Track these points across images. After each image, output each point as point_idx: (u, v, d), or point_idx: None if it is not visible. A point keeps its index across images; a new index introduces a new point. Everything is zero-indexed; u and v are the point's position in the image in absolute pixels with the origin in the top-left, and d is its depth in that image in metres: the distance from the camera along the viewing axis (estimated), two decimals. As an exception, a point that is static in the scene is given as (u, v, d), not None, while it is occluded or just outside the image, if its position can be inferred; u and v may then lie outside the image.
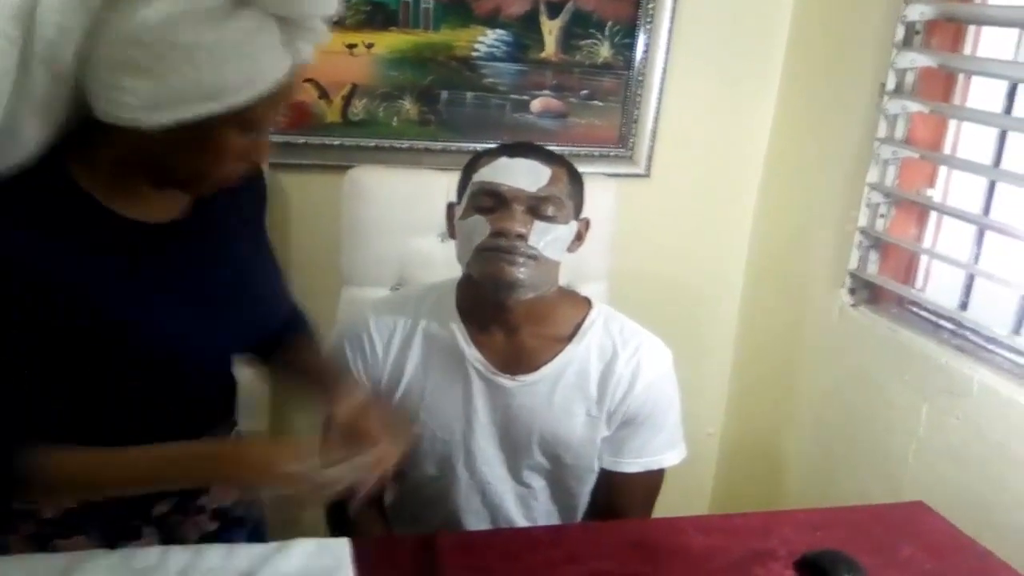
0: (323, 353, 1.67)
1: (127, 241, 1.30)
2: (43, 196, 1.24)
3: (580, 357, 1.73)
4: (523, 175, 1.64)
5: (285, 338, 1.58)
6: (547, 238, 1.63)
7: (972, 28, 2.11)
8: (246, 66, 1.15)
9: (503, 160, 1.67)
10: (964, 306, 2.10)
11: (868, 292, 2.30)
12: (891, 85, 2.16)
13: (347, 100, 2.34)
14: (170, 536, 1.49)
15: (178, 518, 1.51)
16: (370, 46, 2.31)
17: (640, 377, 1.72)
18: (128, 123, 1.16)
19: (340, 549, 1.43)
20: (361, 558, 1.41)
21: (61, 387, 1.30)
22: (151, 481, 1.34)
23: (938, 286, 2.22)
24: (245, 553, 1.40)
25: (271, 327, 1.52)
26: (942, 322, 2.11)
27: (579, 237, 1.73)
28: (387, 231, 2.11)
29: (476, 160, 1.72)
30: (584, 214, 1.75)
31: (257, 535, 1.60)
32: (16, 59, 1.12)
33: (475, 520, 1.77)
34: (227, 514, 1.56)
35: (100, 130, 1.21)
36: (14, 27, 1.12)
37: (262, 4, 1.14)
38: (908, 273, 2.27)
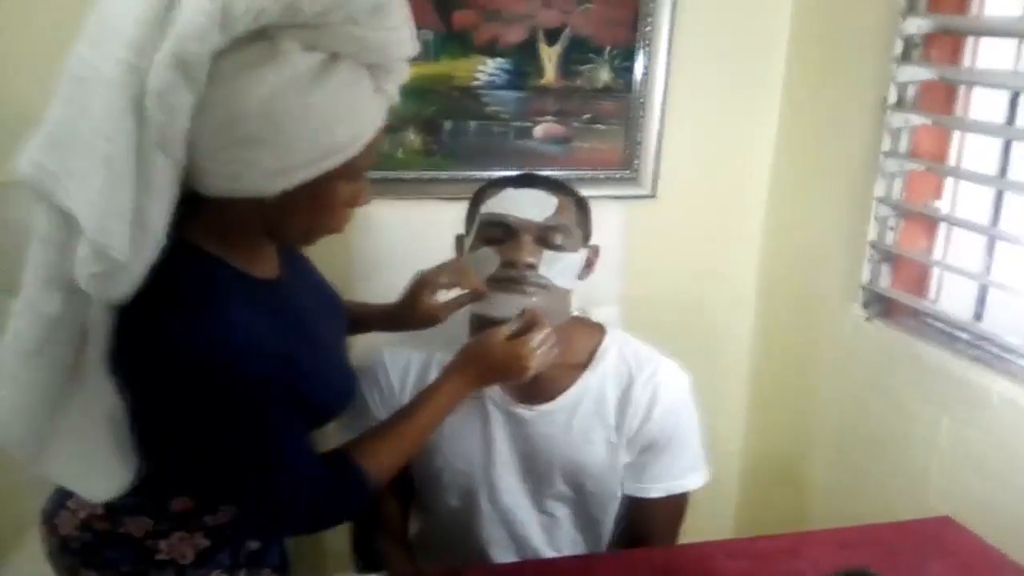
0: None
1: (273, 301, 1.36)
2: (208, 278, 1.28)
3: (597, 384, 1.73)
4: (530, 205, 1.66)
5: None
6: (557, 267, 1.64)
7: (971, 39, 2.11)
8: (353, 118, 1.21)
9: (509, 191, 1.68)
10: (979, 316, 2.09)
11: (882, 305, 2.30)
12: (893, 99, 2.15)
13: (352, 134, 2.34)
14: None
15: None
16: (372, 79, 2.31)
17: (658, 402, 1.72)
18: (245, 194, 1.20)
19: (371, 585, 1.43)
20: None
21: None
22: (438, 421, 1.52)
23: (952, 297, 2.20)
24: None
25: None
26: (958, 333, 2.10)
27: (589, 264, 1.74)
28: (397, 263, 2.09)
29: (483, 192, 1.73)
30: (592, 238, 1.76)
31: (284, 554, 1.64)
32: (134, 149, 1.14)
33: (500, 551, 1.77)
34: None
35: (201, 200, 1.24)
36: (127, 119, 1.13)
37: (354, 56, 1.19)
38: (921, 285, 2.27)
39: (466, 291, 1.68)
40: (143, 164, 1.15)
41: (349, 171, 1.25)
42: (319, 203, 1.27)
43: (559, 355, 1.70)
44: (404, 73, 1.30)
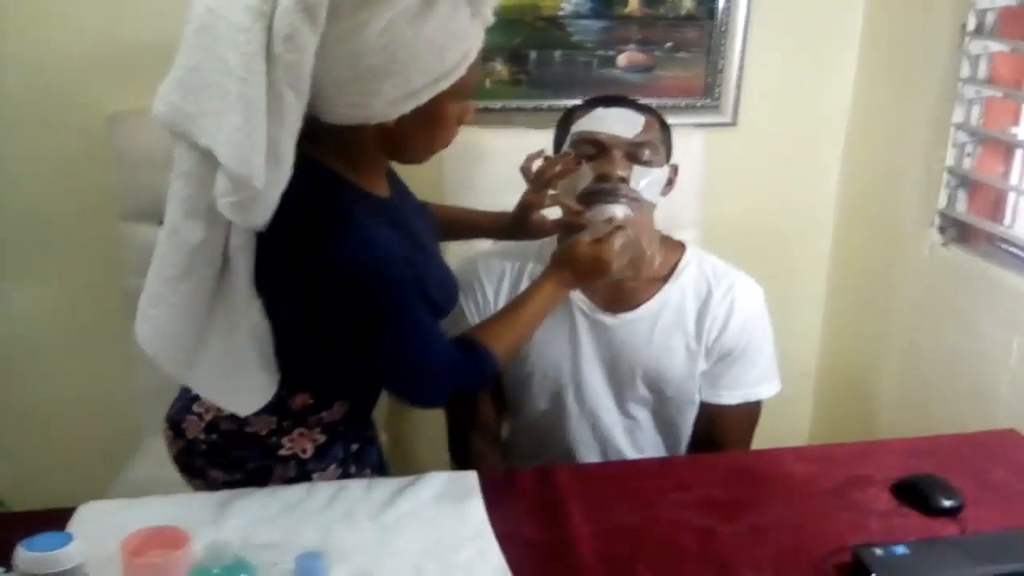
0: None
1: (395, 216, 1.50)
2: (349, 201, 1.43)
3: (677, 296, 1.83)
4: (619, 123, 1.76)
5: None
6: (645, 181, 1.75)
7: (1055, -35, 2.12)
8: (458, 43, 1.34)
9: (599, 111, 1.79)
10: (1053, 241, 2.13)
11: (957, 230, 2.34)
12: (972, 25, 2.18)
13: (442, 65, 2.43)
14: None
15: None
16: (461, 11, 2.40)
17: (735, 314, 1.82)
18: (367, 120, 1.35)
19: (469, 480, 1.57)
20: (488, 488, 1.54)
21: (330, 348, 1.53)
22: (541, 315, 1.67)
23: (1027, 222, 2.25)
24: (383, 486, 1.55)
25: None
26: (1031, 257, 2.15)
27: (670, 182, 1.84)
28: (488, 187, 2.22)
29: (571, 113, 1.83)
30: (677, 166, 1.85)
31: (380, 453, 1.78)
32: (266, 88, 1.26)
33: (586, 451, 1.89)
34: (363, 433, 1.72)
35: (329, 127, 1.39)
36: (258, 61, 1.25)
37: None
38: (996, 210, 2.30)
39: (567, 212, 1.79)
40: (275, 101, 1.27)
41: (458, 91, 1.38)
42: (434, 123, 1.41)
43: (642, 261, 1.81)
44: None
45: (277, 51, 1.25)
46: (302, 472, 1.59)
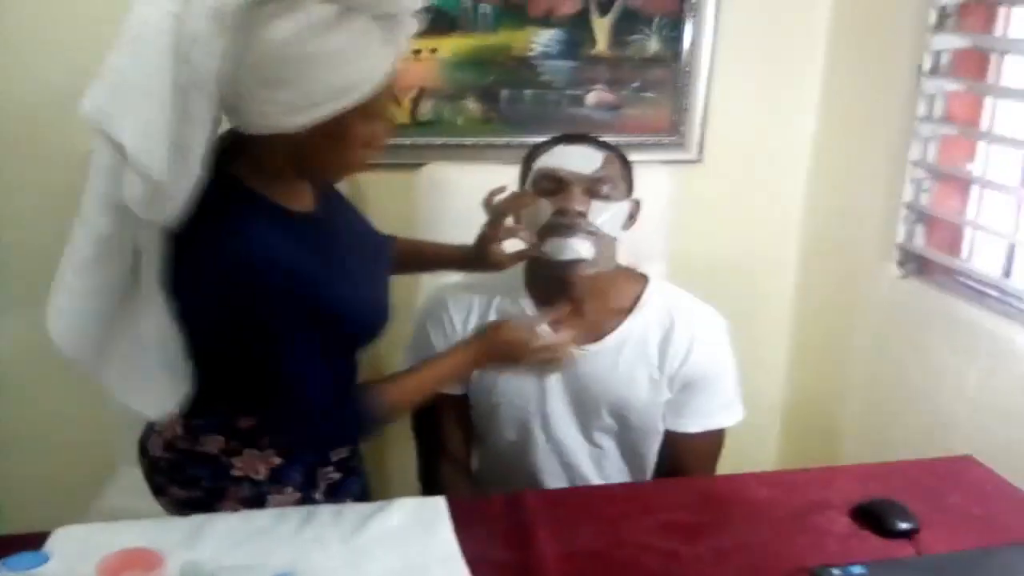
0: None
1: (306, 231, 1.52)
2: (244, 207, 1.46)
3: (640, 327, 1.88)
4: (579, 160, 1.81)
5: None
6: (605, 215, 1.80)
7: (1003, 9, 2.20)
8: (362, 63, 1.36)
9: (560, 148, 1.84)
10: (1008, 273, 2.19)
11: (916, 264, 2.41)
12: (928, 66, 2.26)
13: (415, 102, 2.51)
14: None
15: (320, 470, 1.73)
16: (434, 51, 2.47)
17: (696, 344, 1.87)
18: (273, 130, 1.37)
19: (438, 506, 1.60)
20: (456, 513, 1.57)
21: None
22: (445, 382, 1.73)
23: (983, 256, 2.30)
24: (351, 512, 1.58)
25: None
26: (987, 290, 2.21)
27: (632, 216, 1.88)
28: (460, 222, 2.24)
29: (535, 150, 1.89)
30: (641, 200, 1.90)
31: (364, 483, 1.81)
32: (171, 84, 1.31)
33: (553, 480, 1.92)
34: (346, 464, 1.75)
35: (245, 137, 1.43)
36: (167, 58, 1.31)
37: (365, 8, 1.34)
38: (953, 244, 2.37)
39: (526, 245, 1.83)
40: (182, 99, 1.32)
41: (364, 113, 1.40)
42: (339, 141, 1.43)
43: (604, 302, 1.87)
44: (413, 26, 1.45)
45: (184, 50, 1.30)
46: (257, 494, 1.61)
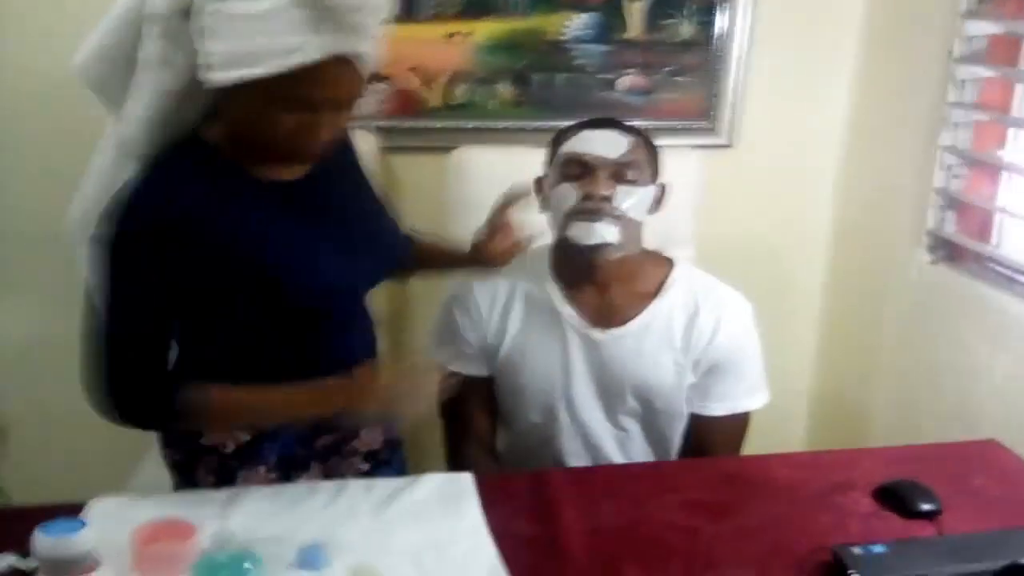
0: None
1: (266, 197, 1.53)
2: (199, 165, 1.49)
3: (665, 311, 1.89)
4: (605, 144, 1.83)
5: (407, 255, 1.81)
6: (630, 200, 1.81)
7: (1038, -6, 2.20)
8: (276, 39, 1.34)
9: (586, 132, 1.86)
10: (1038, 260, 2.20)
11: (946, 250, 2.41)
12: (960, 52, 2.26)
13: (448, 86, 2.53)
14: (331, 474, 1.73)
15: (337, 459, 1.75)
16: (468, 34, 2.49)
17: (722, 327, 1.88)
18: (208, 83, 1.39)
19: (465, 481, 1.63)
20: (483, 489, 1.60)
21: (230, 330, 1.56)
22: (283, 415, 1.60)
23: (1013, 242, 2.31)
24: (382, 486, 1.61)
25: (395, 259, 1.75)
26: (1017, 276, 2.21)
27: (658, 201, 1.90)
28: (490, 205, 2.28)
29: (561, 135, 1.91)
30: (670, 184, 1.91)
31: (400, 476, 1.79)
32: (137, 18, 1.43)
33: (578, 462, 1.95)
34: (376, 456, 1.79)
35: (219, 105, 1.47)
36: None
37: None
38: (984, 230, 2.37)
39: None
40: (138, 25, 1.44)
41: (284, 96, 1.38)
42: (267, 119, 1.42)
43: (629, 286, 1.89)
44: (366, 30, 1.40)
45: None
46: (225, 468, 1.64)
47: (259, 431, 1.64)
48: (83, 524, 1.24)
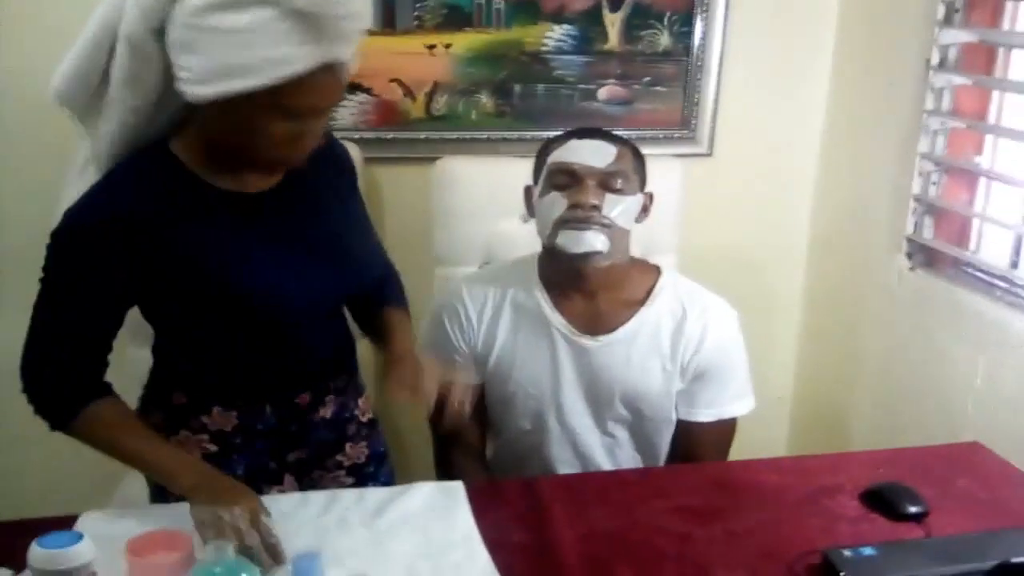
0: (401, 317, 1.78)
1: (226, 209, 1.53)
2: (154, 172, 1.50)
3: (653, 318, 1.91)
4: (592, 154, 1.84)
5: (377, 297, 1.77)
6: (618, 208, 1.82)
7: (1010, 4, 2.23)
8: (266, 52, 1.34)
9: (574, 142, 1.87)
10: (1015, 265, 2.21)
11: (925, 256, 2.43)
12: (935, 60, 2.29)
13: (430, 97, 2.54)
14: (313, 488, 1.72)
15: (320, 473, 1.75)
16: (448, 46, 2.50)
17: (708, 334, 1.90)
18: (189, 98, 1.39)
19: (456, 490, 1.63)
20: (474, 497, 1.61)
21: (195, 337, 1.58)
22: (139, 465, 1.59)
23: (991, 247, 2.33)
24: (373, 495, 1.61)
25: (366, 281, 1.72)
26: (995, 281, 2.23)
27: (645, 209, 1.91)
28: (474, 214, 2.30)
29: (549, 144, 1.91)
30: (652, 193, 1.93)
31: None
32: (100, 28, 1.43)
33: (567, 469, 1.96)
34: (361, 470, 1.79)
35: (191, 116, 1.48)
36: (108, 8, 1.42)
37: (273, 3, 1.32)
38: (962, 236, 2.39)
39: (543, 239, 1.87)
40: (113, 40, 1.43)
41: (277, 106, 1.38)
42: (253, 129, 1.42)
43: (617, 293, 1.90)
44: (347, 33, 1.39)
45: (125, 6, 1.40)
46: None
47: (226, 443, 1.65)
48: (80, 537, 1.24)
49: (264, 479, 1.68)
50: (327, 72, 1.39)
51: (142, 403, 1.67)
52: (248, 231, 1.54)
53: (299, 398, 1.67)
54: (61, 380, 1.51)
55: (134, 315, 1.58)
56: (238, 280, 1.51)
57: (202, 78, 1.36)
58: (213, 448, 1.64)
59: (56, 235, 1.45)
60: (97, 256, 1.45)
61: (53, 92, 1.48)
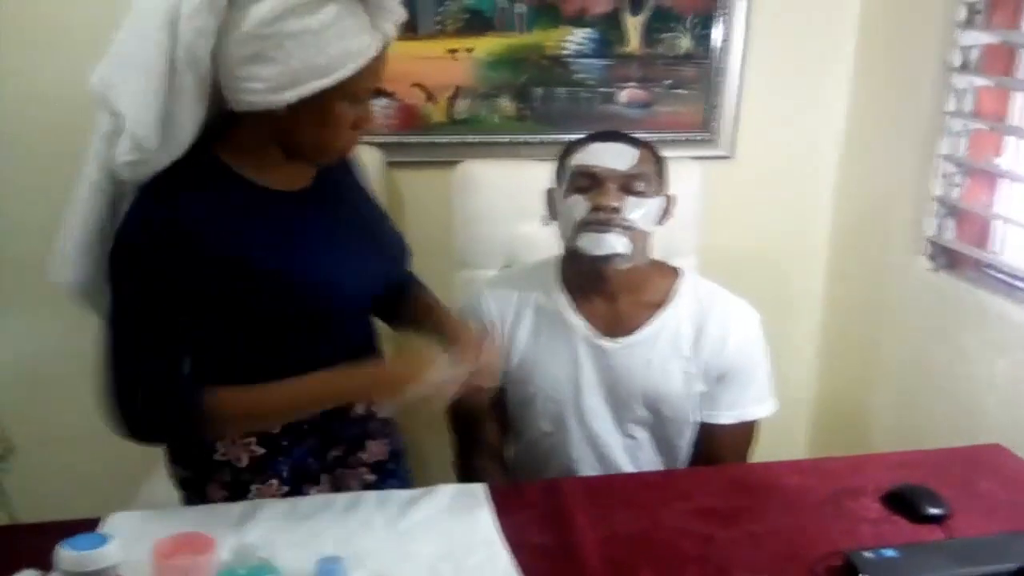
0: (437, 299, 1.84)
1: (273, 207, 1.56)
2: (203, 177, 1.51)
3: (673, 320, 1.92)
4: (614, 157, 1.85)
5: (409, 285, 1.82)
6: (639, 211, 1.83)
7: (1032, 5, 2.23)
8: (343, 44, 1.40)
9: (595, 145, 1.88)
10: (1038, 266, 2.22)
11: (946, 257, 2.43)
12: (956, 62, 2.29)
13: (451, 101, 2.55)
14: (339, 486, 1.75)
15: (342, 471, 1.76)
16: (470, 50, 2.52)
17: (730, 336, 1.90)
18: (260, 107, 1.42)
19: (478, 492, 1.65)
20: (496, 499, 1.62)
21: (237, 337, 1.58)
22: (307, 404, 1.60)
23: (1012, 249, 2.32)
24: (395, 498, 1.63)
25: (403, 267, 1.78)
26: (1016, 282, 2.23)
27: (666, 211, 1.92)
28: (495, 218, 2.32)
29: (570, 148, 1.92)
30: (673, 196, 1.93)
31: (406, 487, 1.80)
32: (166, 62, 1.39)
33: (588, 470, 1.96)
34: (383, 467, 1.81)
35: (235, 118, 1.49)
36: (163, 35, 1.39)
37: None
38: (983, 238, 2.39)
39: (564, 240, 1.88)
40: (173, 74, 1.40)
41: (348, 93, 1.46)
42: (324, 120, 1.48)
43: (638, 295, 1.91)
44: (398, 14, 1.48)
45: (179, 29, 1.38)
46: (238, 481, 1.65)
47: (274, 445, 1.66)
48: (106, 539, 1.25)
49: (307, 479, 1.71)
50: (383, 53, 1.48)
51: None
52: (302, 227, 1.58)
53: None
54: (162, 395, 1.50)
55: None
56: (302, 273, 1.54)
57: (279, 85, 1.40)
58: (261, 451, 1.66)
59: (126, 252, 1.47)
60: (172, 267, 1.46)
61: (142, 141, 1.42)
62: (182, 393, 1.51)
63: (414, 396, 1.50)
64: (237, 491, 1.66)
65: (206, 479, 1.67)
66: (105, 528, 1.50)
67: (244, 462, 1.66)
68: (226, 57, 1.40)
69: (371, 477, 1.79)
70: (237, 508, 1.60)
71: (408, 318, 1.79)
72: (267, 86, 1.40)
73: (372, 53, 1.44)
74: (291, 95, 1.41)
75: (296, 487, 1.68)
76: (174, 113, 1.42)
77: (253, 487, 1.66)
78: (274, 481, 1.67)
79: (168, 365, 1.51)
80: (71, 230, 1.54)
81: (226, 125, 1.52)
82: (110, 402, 1.49)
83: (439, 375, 1.50)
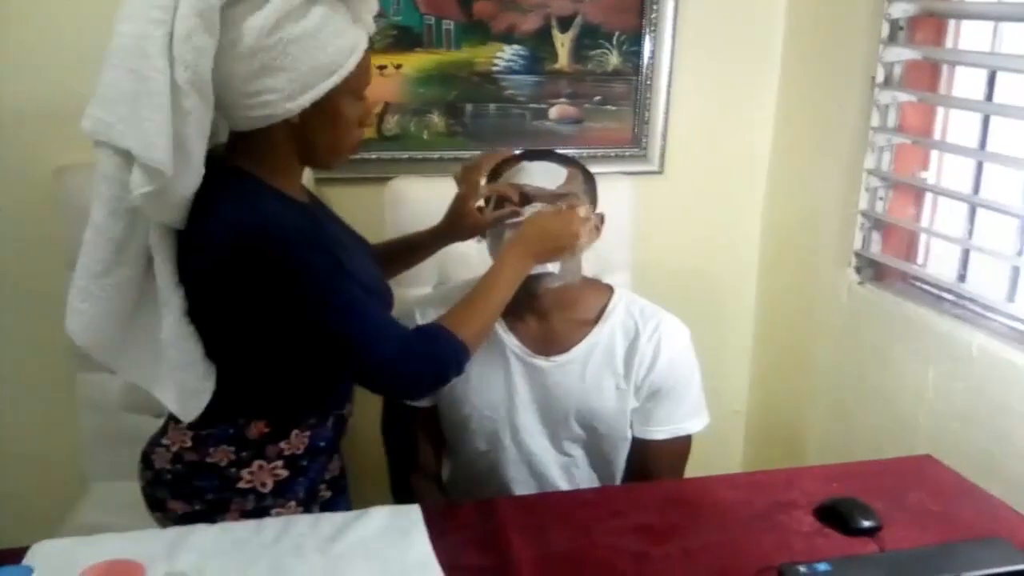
0: None
1: (313, 218, 1.61)
2: (247, 184, 1.53)
3: (606, 337, 1.91)
4: (543, 176, 1.85)
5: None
6: None
7: (952, 22, 2.27)
8: (339, 42, 1.47)
9: (524, 164, 1.88)
10: (962, 278, 2.25)
11: (873, 270, 2.46)
12: (881, 78, 2.33)
13: (381, 117, 2.54)
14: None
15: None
16: (399, 67, 2.50)
17: (662, 352, 1.90)
18: (278, 118, 1.46)
19: (412, 514, 1.62)
20: (430, 521, 1.59)
21: (279, 364, 1.62)
22: (508, 293, 1.71)
23: (938, 261, 2.37)
24: (329, 521, 1.60)
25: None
26: (943, 294, 2.27)
27: (596, 229, 1.91)
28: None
29: (500, 167, 1.91)
30: (603, 211, 1.93)
31: (349, 505, 1.84)
32: (168, 87, 1.38)
33: (523, 490, 1.95)
34: (336, 483, 1.82)
35: (242, 137, 1.53)
36: (162, 61, 1.37)
37: None
38: (909, 250, 2.43)
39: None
40: (178, 97, 1.39)
41: (351, 90, 1.52)
42: (335, 121, 1.53)
43: (570, 313, 1.90)
44: (373, 2, 1.55)
45: (177, 52, 1.37)
46: (260, 507, 1.64)
47: (295, 466, 1.68)
48: (30, 571, 1.22)
49: (315, 499, 1.74)
50: (370, 46, 1.55)
51: (195, 441, 1.64)
52: (332, 234, 1.63)
53: (346, 409, 1.77)
54: (423, 337, 1.61)
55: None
56: (367, 278, 1.61)
57: (292, 92, 1.45)
58: (284, 474, 1.67)
59: (291, 250, 1.48)
60: (316, 233, 1.55)
61: (158, 167, 1.39)
62: (434, 333, 1.60)
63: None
64: (257, 516, 1.64)
65: (222, 510, 1.64)
66: (31, 557, 1.45)
67: (269, 486, 1.65)
68: (230, 78, 1.42)
69: (327, 494, 1.78)
70: (168, 533, 1.56)
71: (398, 259, 1.98)
72: (281, 95, 1.44)
73: (365, 45, 1.52)
74: (306, 99, 1.46)
75: (307, 506, 1.70)
76: (184, 135, 1.41)
77: (274, 511, 1.65)
78: (292, 503, 1.68)
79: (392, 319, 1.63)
80: (97, 299, 1.52)
81: (232, 143, 1.56)
82: (377, 371, 1.58)
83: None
